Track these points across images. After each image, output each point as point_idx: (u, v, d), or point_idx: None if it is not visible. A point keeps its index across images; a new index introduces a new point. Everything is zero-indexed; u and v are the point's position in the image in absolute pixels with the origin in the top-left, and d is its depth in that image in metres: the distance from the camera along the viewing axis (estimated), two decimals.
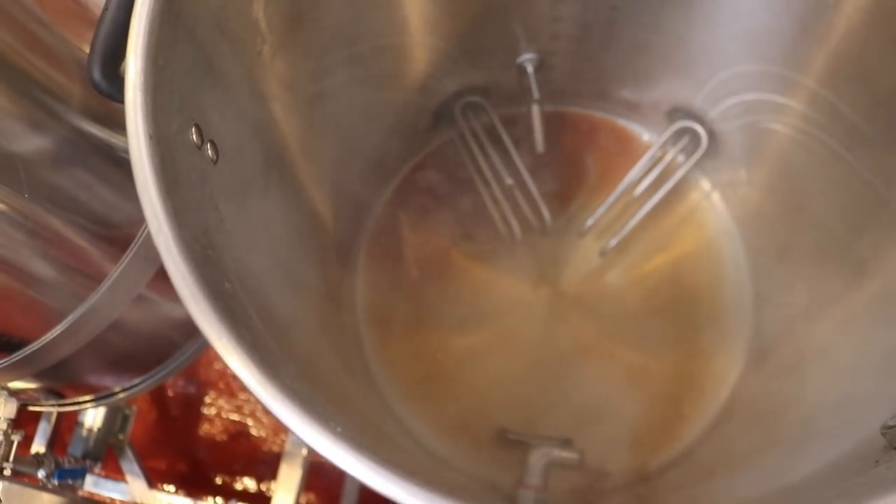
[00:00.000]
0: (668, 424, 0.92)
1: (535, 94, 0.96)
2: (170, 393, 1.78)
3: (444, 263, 1.00)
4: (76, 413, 1.35)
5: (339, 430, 0.38)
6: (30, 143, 0.70)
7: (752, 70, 0.85)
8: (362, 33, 0.78)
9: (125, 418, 1.56)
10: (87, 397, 1.08)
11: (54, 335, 0.83)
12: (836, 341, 0.70)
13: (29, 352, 0.84)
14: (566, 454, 0.82)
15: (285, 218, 0.71)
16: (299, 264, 0.74)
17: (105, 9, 0.53)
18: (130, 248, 0.85)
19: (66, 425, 1.34)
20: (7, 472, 1.02)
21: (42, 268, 0.77)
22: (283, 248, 0.68)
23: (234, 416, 1.75)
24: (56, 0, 0.72)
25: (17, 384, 0.99)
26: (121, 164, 0.82)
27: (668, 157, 0.98)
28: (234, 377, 1.56)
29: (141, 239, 0.86)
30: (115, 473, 1.47)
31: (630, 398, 0.93)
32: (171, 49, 0.48)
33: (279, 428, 1.74)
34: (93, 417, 1.42)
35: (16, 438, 1.06)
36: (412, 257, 1.00)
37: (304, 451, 1.23)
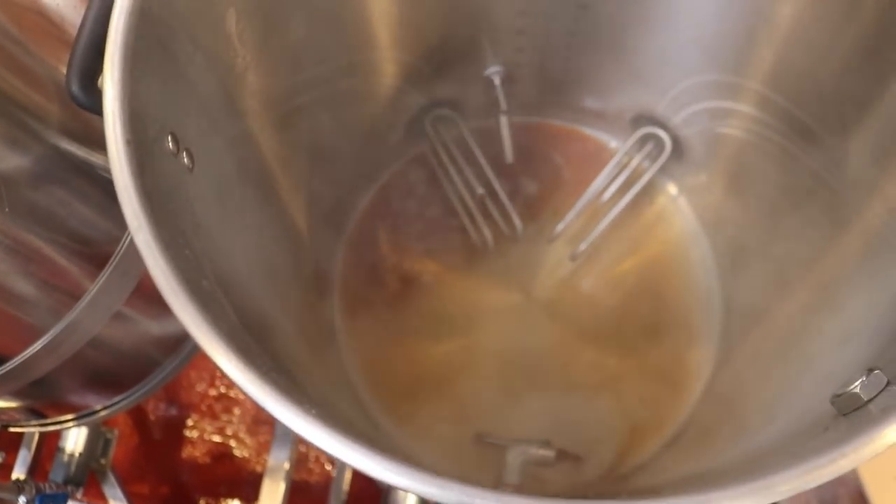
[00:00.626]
0: (645, 421, 0.94)
1: (503, 106, 0.99)
2: (151, 417, 1.78)
3: (418, 273, 1.02)
4: (57, 439, 1.34)
5: (314, 412, 0.40)
6: (9, 161, 0.72)
7: (708, 78, 0.89)
8: (329, 51, 0.80)
9: (107, 442, 1.56)
10: (69, 416, 1.08)
11: (34, 351, 0.84)
12: (795, 330, 0.73)
13: (8, 368, 0.85)
14: (542, 452, 0.84)
15: (261, 227, 0.73)
16: (277, 272, 0.75)
17: (82, 24, 0.56)
18: (109, 264, 0.87)
19: (47, 452, 1.33)
20: None
21: (20, 284, 0.78)
22: (260, 256, 0.70)
23: (217, 438, 1.75)
24: (32, 21, 0.74)
25: None
26: (99, 183, 0.83)
27: (634, 163, 1.02)
28: (217, 399, 1.56)
29: (119, 255, 0.88)
30: (98, 500, 1.46)
31: (606, 398, 0.95)
32: (146, 60, 0.50)
33: (263, 448, 1.74)
34: (74, 442, 1.42)
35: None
36: (386, 268, 1.03)
37: (287, 466, 1.24)
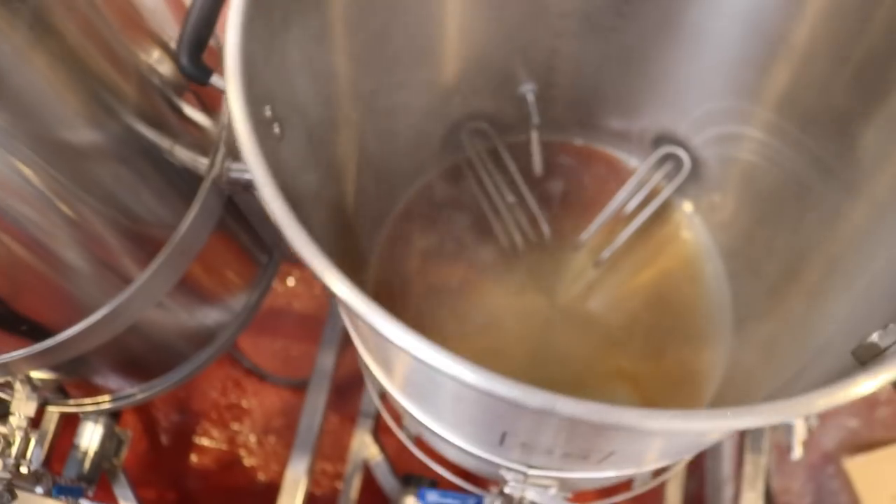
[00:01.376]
0: None
1: (535, 120, 1.06)
2: (162, 423, 1.81)
3: (447, 276, 1.08)
4: (70, 438, 1.36)
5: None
6: (84, 135, 0.77)
7: (728, 103, 0.97)
8: (398, 63, 0.88)
9: (120, 443, 1.58)
10: (106, 397, 1.13)
11: (81, 328, 0.88)
12: (806, 319, 0.80)
13: (56, 342, 0.88)
14: None
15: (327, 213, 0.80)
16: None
17: (192, 5, 0.63)
18: (163, 251, 0.91)
19: (58, 453, 1.35)
20: (23, 470, 1.06)
21: (78, 259, 0.83)
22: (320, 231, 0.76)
23: (226, 447, 1.78)
24: (119, 8, 0.80)
25: (35, 375, 1.03)
26: (162, 168, 0.89)
27: (654, 181, 1.09)
28: (227, 408, 1.60)
29: (174, 243, 0.92)
30: (108, 500, 1.48)
31: (624, 396, 1.01)
32: (258, 35, 0.57)
33: (271, 458, 1.78)
34: (89, 439, 1.44)
35: (33, 437, 1.09)
36: (418, 268, 1.09)
37: (305, 481, 1.28)
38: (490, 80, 1.03)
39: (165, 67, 0.84)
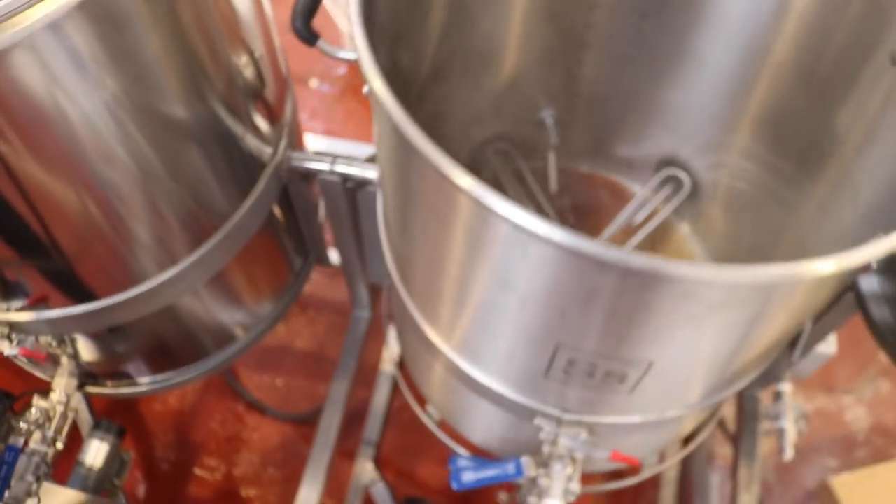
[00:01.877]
0: None
1: (553, 139, 1.20)
2: (162, 452, 1.83)
3: None
4: (75, 453, 1.37)
5: None
6: (176, 113, 0.86)
7: (721, 124, 1.12)
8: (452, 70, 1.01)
9: (123, 463, 1.61)
10: (146, 379, 1.18)
11: (128, 296, 0.95)
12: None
13: (105, 304, 0.94)
14: None
15: None
16: None
17: None
18: (215, 235, 0.99)
19: (62, 468, 1.37)
20: (59, 446, 1.10)
21: (140, 228, 0.90)
22: None
23: (224, 478, 1.79)
24: (223, 14, 0.91)
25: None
26: (231, 155, 0.98)
27: (656, 201, 1.22)
28: (226, 439, 1.64)
29: (229, 227, 1.01)
30: None
31: None
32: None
33: (269, 491, 1.79)
34: (94, 456, 1.47)
35: (71, 414, 1.14)
36: None
37: None
38: (516, 104, 1.17)
39: (249, 72, 0.95)
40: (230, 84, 0.92)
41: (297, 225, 1.19)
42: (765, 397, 1.36)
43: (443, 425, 1.14)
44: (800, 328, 0.87)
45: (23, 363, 1.18)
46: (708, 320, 0.62)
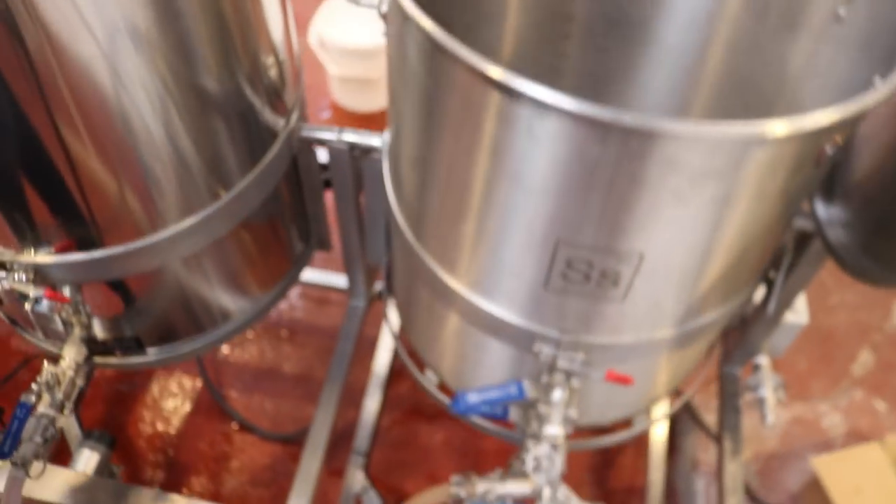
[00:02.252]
0: None
1: None
2: (150, 472, 1.82)
3: None
4: (65, 464, 1.38)
5: None
6: (205, 81, 0.94)
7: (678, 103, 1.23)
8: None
9: (112, 475, 1.62)
10: (153, 349, 1.21)
11: (130, 248, 0.99)
12: None
13: (106, 254, 0.99)
14: None
15: None
16: None
17: None
18: (233, 189, 1.06)
19: None
20: (66, 412, 1.13)
21: (159, 174, 0.96)
22: None
23: (212, 497, 1.79)
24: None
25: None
26: (247, 126, 1.05)
27: None
28: (215, 459, 1.66)
29: (238, 189, 1.07)
30: None
31: None
32: None
33: None
34: (84, 464, 1.49)
35: (79, 382, 1.17)
36: None
37: None
38: None
39: (270, 51, 1.04)
40: (255, 61, 1.01)
41: (302, 205, 1.26)
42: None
43: (441, 388, 1.19)
44: (776, 241, 0.92)
45: (34, 338, 1.22)
46: (691, 197, 0.71)
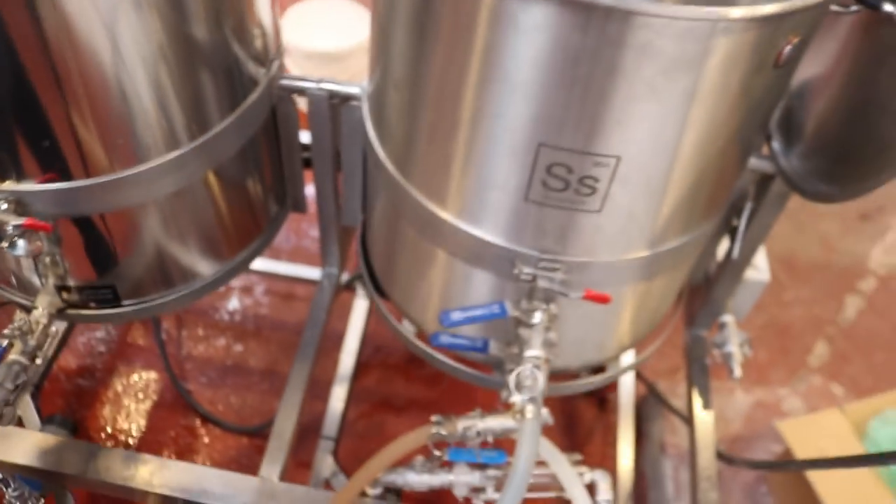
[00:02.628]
0: None
1: None
2: None
3: None
4: None
5: None
6: (195, 31, 0.98)
7: None
8: None
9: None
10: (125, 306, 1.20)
11: (102, 179, 0.99)
12: None
13: (83, 184, 0.98)
14: None
15: None
16: None
17: None
18: (207, 134, 1.06)
19: None
20: (38, 362, 1.12)
21: (147, 102, 0.96)
22: None
23: None
24: None
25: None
26: (230, 75, 1.07)
27: None
28: (178, 453, 1.64)
29: (218, 129, 1.08)
30: None
31: None
32: None
33: None
34: None
35: (51, 338, 1.16)
36: None
37: None
38: None
39: (253, 7, 1.08)
40: (239, 7, 1.05)
41: (279, 165, 1.28)
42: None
43: (419, 336, 1.21)
44: (739, 157, 0.96)
45: (5, 292, 1.20)
46: (663, 91, 0.75)
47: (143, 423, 1.86)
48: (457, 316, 0.94)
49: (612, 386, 1.86)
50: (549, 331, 0.98)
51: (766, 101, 0.88)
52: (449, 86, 0.84)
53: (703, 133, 0.83)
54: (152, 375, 1.94)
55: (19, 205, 0.99)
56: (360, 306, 1.86)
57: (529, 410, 0.93)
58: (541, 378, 0.94)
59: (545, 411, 0.94)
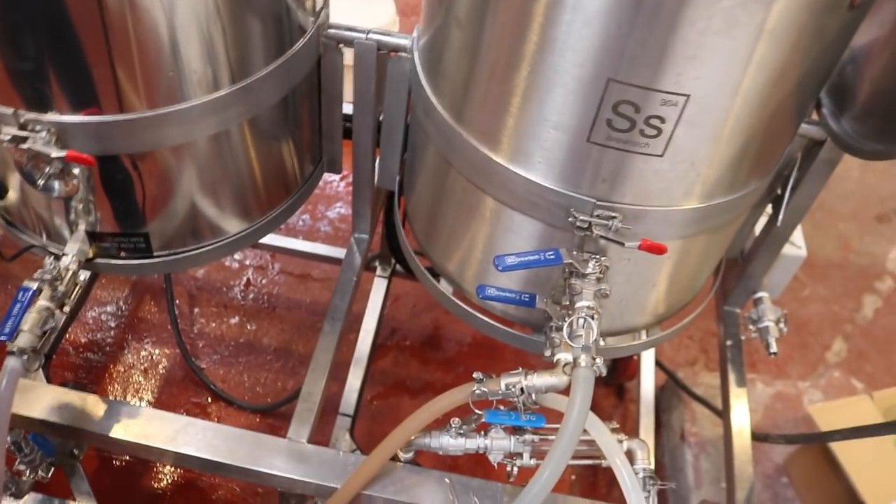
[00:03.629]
0: None
1: None
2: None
3: None
4: None
5: None
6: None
7: None
8: None
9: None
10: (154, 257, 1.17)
11: (170, 110, 0.97)
12: None
13: (123, 118, 0.96)
14: None
15: None
16: None
17: None
18: (261, 71, 1.04)
19: None
20: (66, 310, 1.09)
21: (188, 44, 0.95)
22: None
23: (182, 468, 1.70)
24: None
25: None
26: (279, 23, 1.06)
27: None
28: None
29: (265, 72, 1.05)
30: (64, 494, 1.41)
31: None
32: None
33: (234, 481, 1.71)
34: None
35: (79, 286, 1.13)
36: None
37: None
38: None
39: None
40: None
41: (318, 121, 1.26)
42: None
43: (456, 295, 1.18)
44: (802, 110, 0.94)
45: (34, 239, 1.17)
46: (739, 24, 0.74)
47: (152, 398, 1.82)
48: (511, 260, 0.92)
49: (631, 375, 1.84)
50: (601, 282, 0.96)
51: (834, 46, 0.87)
52: (517, 16, 0.82)
53: (772, 75, 0.82)
54: (164, 351, 1.90)
55: (60, 139, 0.97)
56: (379, 286, 1.83)
57: (583, 359, 0.91)
58: (594, 327, 0.92)
59: (599, 361, 0.91)
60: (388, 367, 1.93)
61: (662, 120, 0.83)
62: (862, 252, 2.29)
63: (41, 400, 1.17)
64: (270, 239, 1.89)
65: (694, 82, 0.80)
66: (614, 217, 0.93)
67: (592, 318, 0.93)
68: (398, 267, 1.80)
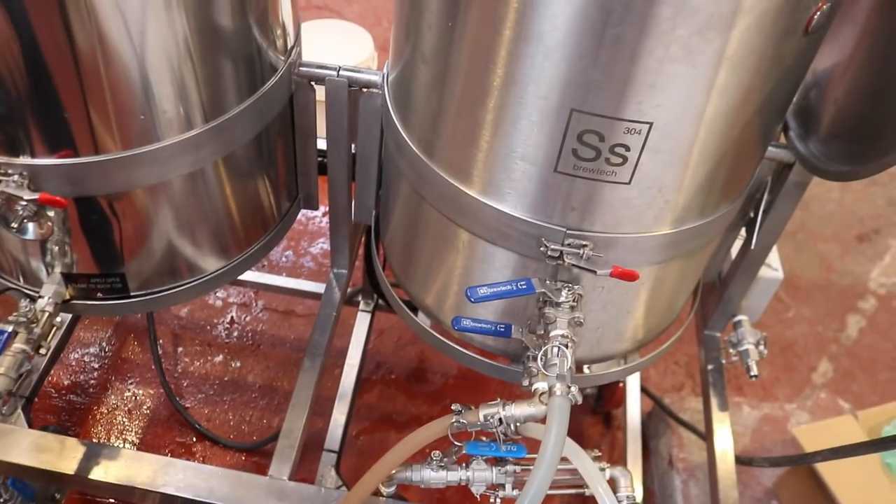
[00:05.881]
0: None
1: None
2: None
3: None
4: None
5: None
6: (221, 18, 0.99)
7: None
8: None
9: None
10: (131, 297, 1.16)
11: (144, 151, 0.98)
12: None
13: (91, 160, 0.96)
14: None
15: None
16: None
17: None
18: (230, 112, 1.05)
19: None
20: (43, 352, 1.08)
21: (161, 86, 0.96)
22: None
23: None
24: None
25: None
26: (249, 62, 1.07)
27: None
28: None
29: (234, 112, 1.07)
30: None
31: None
32: None
33: None
34: None
35: (56, 328, 1.13)
36: None
37: None
38: None
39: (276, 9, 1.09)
40: (262, 11, 1.05)
41: (293, 159, 1.26)
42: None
43: (434, 327, 1.18)
44: (765, 133, 0.95)
45: (10, 281, 1.17)
46: (697, 52, 0.75)
47: (136, 439, 1.80)
48: (483, 291, 0.92)
49: (618, 402, 1.84)
50: (574, 310, 0.96)
51: (793, 70, 0.88)
52: (481, 51, 0.84)
53: (733, 100, 0.83)
54: (148, 391, 1.89)
55: (33, 181, 0.97)
56: (362, 320, 1.83)
57: (558, 388, 0.91)
58: (569, 356, 0.92)
59: (574, 389, 0.91)
60: (373, 401, 1.92)
61: (627, 148, 0.84)
62: (844, 272, 2.30)
63: (19, 444, 1.16)
64: (253, 276, 1.90)
65: (655, 110, 0.81)
66: (585, 245, 0.93)
67: (567, 346, 0.93)
68: (381, 301, 1.80)
